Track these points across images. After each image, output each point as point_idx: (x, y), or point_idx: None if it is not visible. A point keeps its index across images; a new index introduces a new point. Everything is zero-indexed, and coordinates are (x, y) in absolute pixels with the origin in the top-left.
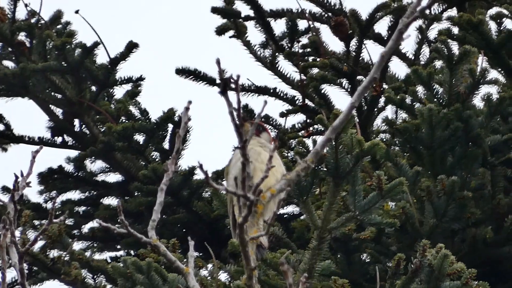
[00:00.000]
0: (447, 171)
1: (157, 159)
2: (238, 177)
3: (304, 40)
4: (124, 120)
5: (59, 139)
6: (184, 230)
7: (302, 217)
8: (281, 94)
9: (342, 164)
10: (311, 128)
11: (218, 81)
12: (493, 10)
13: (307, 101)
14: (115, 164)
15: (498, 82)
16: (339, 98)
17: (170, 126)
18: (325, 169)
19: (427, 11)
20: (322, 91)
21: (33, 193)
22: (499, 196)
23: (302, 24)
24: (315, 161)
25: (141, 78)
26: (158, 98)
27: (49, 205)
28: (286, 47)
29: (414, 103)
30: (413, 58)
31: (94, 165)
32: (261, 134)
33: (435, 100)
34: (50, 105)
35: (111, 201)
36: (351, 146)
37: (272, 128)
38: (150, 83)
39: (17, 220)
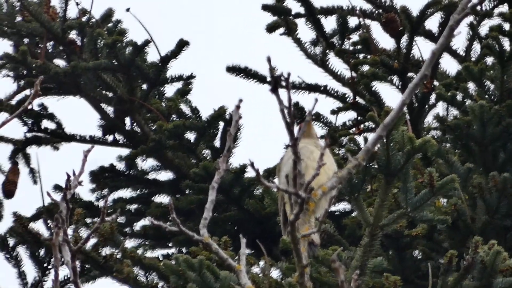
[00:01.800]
0: (499, 168)
1: (208, 157)
2: (289, 175)
3: (355, 37)
4: (175, 118)
5: (110, 138)
6: (235, 227)
7: (353, 214)
8: (332, 92)
9: (394, 161)
10: (362, 126)
11: (268, 79)
12: None
13: (358, 98)
14: (166, 162)
15: None
16: (390, 95)
17: (221, 124)
18: (376, 166)
19: (478, 7)
20: (373, 88)
21: (85, 191)
22: None
23: (353, 21)
24: (366, 158)
25: (191, 76)
26: (209, 96)
27: (101, 203)
28: (337, 44)
29: (465, 100)
30: (464, 54)
31: (145, 163)
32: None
33: (487, 96)
34: (101, 104)
35: (162, 199)
36: (402, 143)
37: (323, 125)
38: (200, 81)
39: (69, 219)
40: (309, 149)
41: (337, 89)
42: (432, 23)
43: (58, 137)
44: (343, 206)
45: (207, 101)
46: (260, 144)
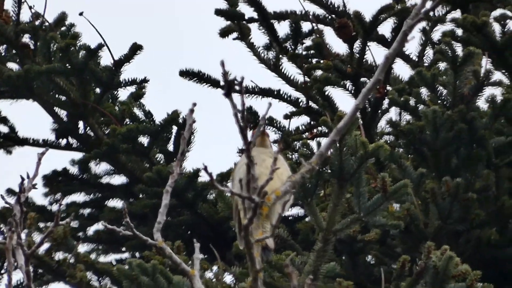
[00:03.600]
0: (451, 173)
1: (161, 161)
2: (243, 179)
3: (308, 42)
4: (128, 122)
5: (63, 141)
6: (189, 232)
7: (307, 219)
8: (285, 96)
9: (347, 166)
10: (315, 130)
11: (222, 83)
12: (497, 12)
13: (311, 103)
14: (119, 166)
15: (502, 83)
16: (343, 100)
17: (175, 128)
18: (329, 171)
19: (431, 13)
20: (326, 93)
21: (38, 195)
22: (504, 197)
23: (306, 26)
24: (320, 163)
25: (145, 80)
26: (162, 100)
27: (54, 207)
28: (290, 49)
29: (418, 105)
30: (417, 59)
31: (99, 167)
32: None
33: (439, 101)
34: (55, 107)
35: (116, 203)
36: (355, 148)
37: (276, 130)
38: (154, 84)
39: (23, 223)
40: (261, 157)
41: (290, 93)
42: (385, 28)
43: (11, 140)
44: (297, 211)
45: (160, 105)
46: (214, 148)
